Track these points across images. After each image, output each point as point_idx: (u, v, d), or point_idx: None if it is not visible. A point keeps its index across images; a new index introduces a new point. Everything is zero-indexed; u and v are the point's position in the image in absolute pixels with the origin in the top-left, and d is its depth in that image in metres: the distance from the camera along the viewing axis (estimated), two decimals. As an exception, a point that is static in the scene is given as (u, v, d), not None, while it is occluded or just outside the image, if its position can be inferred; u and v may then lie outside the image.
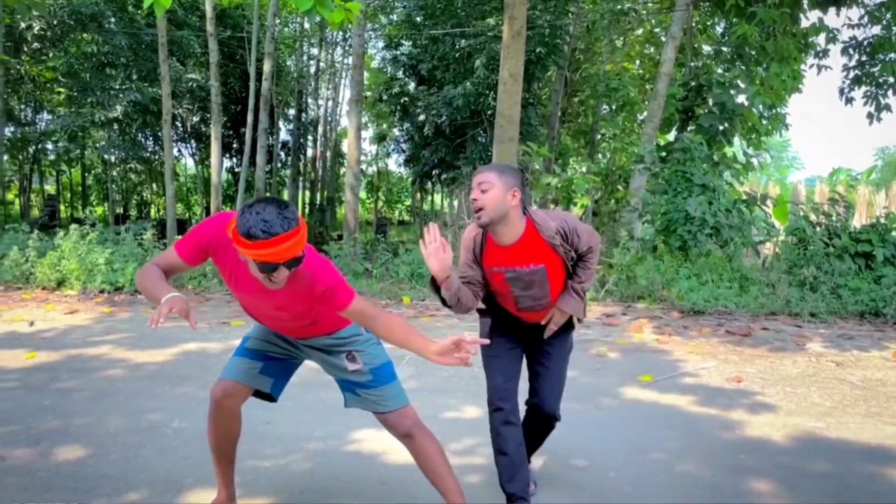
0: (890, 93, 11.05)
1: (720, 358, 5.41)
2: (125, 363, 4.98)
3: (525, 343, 2.81)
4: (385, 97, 16.01)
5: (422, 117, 13.96)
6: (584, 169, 12.67)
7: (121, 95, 14.48)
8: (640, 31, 16.47)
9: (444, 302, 2.57)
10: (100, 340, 5.64)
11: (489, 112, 13.08)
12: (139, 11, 14.87)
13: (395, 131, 19.61)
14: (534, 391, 2.79)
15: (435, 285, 2.52)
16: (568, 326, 2.80)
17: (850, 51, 11.29)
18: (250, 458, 3.25)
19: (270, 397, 2.63)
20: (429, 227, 2.42)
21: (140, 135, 17.42)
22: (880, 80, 11.04)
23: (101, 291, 7.76)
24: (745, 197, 9.34)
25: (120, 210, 21.45)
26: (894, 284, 7.03)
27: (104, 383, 4.46)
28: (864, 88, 11.31)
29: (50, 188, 24.65)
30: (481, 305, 2.78)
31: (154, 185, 23.05)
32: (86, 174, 22.99)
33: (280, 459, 3.28)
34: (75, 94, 15.49)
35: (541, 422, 2.83)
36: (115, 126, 15.44)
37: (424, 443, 2.49)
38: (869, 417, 4.02)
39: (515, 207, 2.48)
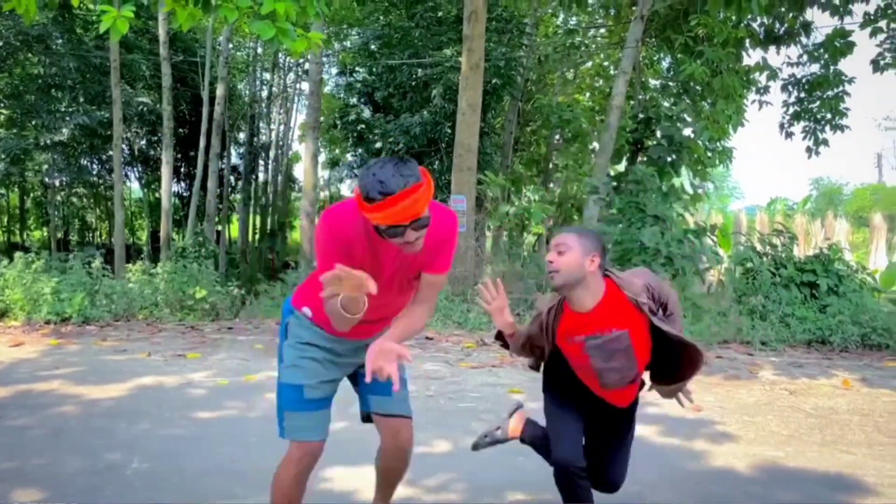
0: (827, 128, 11.60)
1: (679, 387, 5.52)
2: (78, 399, 4.78)
3: (593, 416, 2.67)
4: (339, 124, 15.99)
5: (378, 144, 13.99)
6: (537, 197, 12.89)
7: (67, 118, 14.07)
8: (590, 65, 16.93)
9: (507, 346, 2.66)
10: (49, 374, 5.41)
11: (446, 140, 13.20)
12: (88, 33, 14.56)
13: (349, 157, 19.57)
14: (593, 465, 2.67)
15: (501, 338, 2.61)
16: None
17: (790, 88, 11.84)
18: (221, 498, 3.16)
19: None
20: (488, 283, 2.47)
21: (85, 158, 16.92)
22: (819, 117, 11.57)
23: (48, 322, 7.46)
24: (694, 227, 9.63)
25: (61, 235, 20.71)
26: (839, 314, 7.33)
27: (58, 421, 4.28)
28: (803, 124, 11.85)
29: (-15, 211, 23.67)
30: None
31: (98, 210, 22.37)
32: (24, 197, 22.16)
33: (249, 499, 3.19)
34: (18, 115, 14.98)
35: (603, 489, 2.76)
36: (60, 149, 14.96)
37: (404, 459, 2.53)
38: (825, 446, 4.16)
39: (593, 273, 2.37)
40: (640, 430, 4.38)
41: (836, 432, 4.43)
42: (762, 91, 12.18)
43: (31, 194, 22.30)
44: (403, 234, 1.94)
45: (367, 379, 1.97)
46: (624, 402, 2.58)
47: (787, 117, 12.00)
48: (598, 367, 2.43)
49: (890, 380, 5.85)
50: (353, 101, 16.06)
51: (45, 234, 21.41)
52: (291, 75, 21.99)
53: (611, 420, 2.66)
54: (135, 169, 19.46)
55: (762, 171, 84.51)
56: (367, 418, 2.52)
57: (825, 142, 11.67)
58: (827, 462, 3.87)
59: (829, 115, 11.42)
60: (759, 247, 8.79)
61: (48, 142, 13.95)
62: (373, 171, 1.90)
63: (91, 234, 23.41)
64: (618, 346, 2.39)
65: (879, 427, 4.56)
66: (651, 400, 5.09)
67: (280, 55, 19.41)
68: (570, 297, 2.41)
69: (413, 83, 13.79)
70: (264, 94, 21.60)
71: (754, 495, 3.39)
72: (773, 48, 11.54)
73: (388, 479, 2.61)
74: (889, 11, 9.98)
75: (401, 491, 3.31)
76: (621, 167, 13.38)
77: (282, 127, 22.76)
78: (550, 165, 16.55)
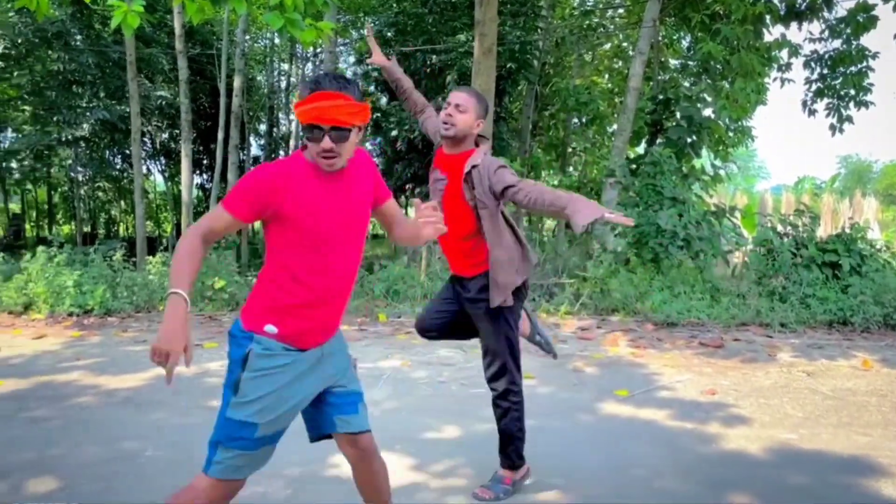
0: (851, 104, 11.35)
1: (694, 370, 5.48)
2: (97, 389, 4.88)
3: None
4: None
5: (394, 132, 13.98)
6: (556, 182, 12.81)
7: (88, 114, 14.27)
8: (608, 46, 16.72)
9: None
10: (70, 366, 5.52)
11: (461, 127, 13.13)
12: (106, 29, 14.70)
13: (367, 145, 19.59)
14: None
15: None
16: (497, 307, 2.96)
17: (812, 64, 11.58)
18: (228, 487, 3.21)
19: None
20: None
21: (108, 153, 17.17)
22: (842, 93, 11.32)
23: (70, 315, 7.60)
24: (713, 209, 9.50)
25: (87, 229, 21.08)
26: (860, 294, 7.19)
27: (76, 411, 4.37)
28: (826, 100, 11.60)
29: (14, 207, 24.16)
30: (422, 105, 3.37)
31: (122, 203, 22.72)
32: (52, 192, 22.58)
33: (257, 487, 3.23)
34: (41, 112, 15.23)
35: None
36: (83, 144, 15.19)
37: (381, 463, 2.37)
38: (840, 428, 4.10)
39: (472, 136, 2.91)
40: (652, 413, 4.37)
41: (853, 414, 4.37)
42: (784, 68, 11.94)
43: (59, 189, 22.73)
44: (321, 139, 1.98)
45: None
46: (461, 270, 3.03)
47: (810, 94, 11.76)
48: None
49: (912, 360, 5.75)
50: (371, 89, 16.06)
51: (73, 228, 21.80)
52: (309, 65, 22.04)
53: (467, 304, 3.06)
54: (157, 162, 19.73)
55: (789, 150, 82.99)
56: (318, 438, 2.34)
57: (849, 118, 11.42)
58: (841, 444, 3.81)
59: (852, 92, 11.17)
60: (780, 227, 8.65)
61: (70, 137, 14.17)
62: (314, 76, 2.04)
63: (116, 228, 23.79)
64: (437, 188, 2.96)
65: (898, 408, 4.49)
66: (663, 383, 5.07)
67: (297, 46, 19.45)
68: (447, 144, 2.94)
69: (428, 70, 13.74)
70: (283, 84, 21.69)
71: (765, 478, 3.35)
72: (794, 24, 11.29)
73: (375, 489, 2.38)
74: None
75: (410, 477, 3.35)
76: (641, 149, 13.24)
77: (301, 117, 22.85)
78: (569, 149, 16.43)
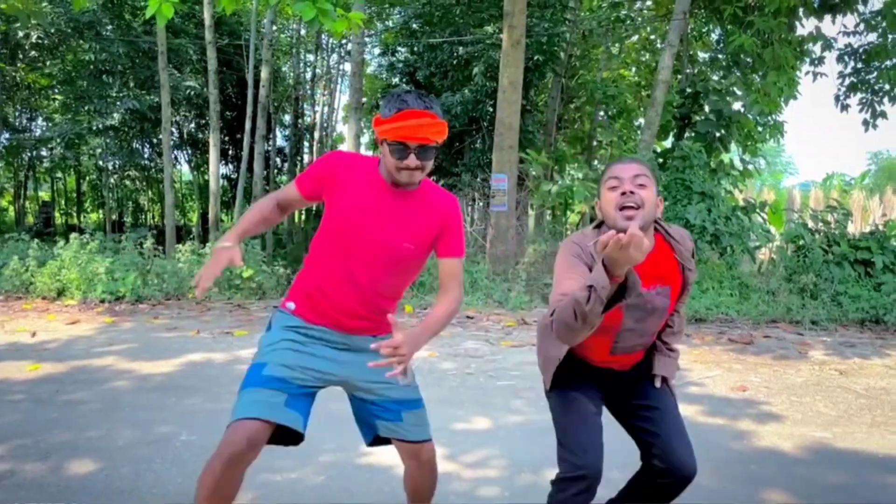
0: (886, 100, 11.14)
1: (724, 366, 5.44)
2: (130, 374, 4.96)
3: (606, 397, 2.29)
4: (382, 104, 16.03)
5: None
6: (581, 175, 12.72)
7: (118, 103, 14.46)
8: (635, 39, 16.55)
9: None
10: (104, 351, 5.62)
11: (487, 119, 13.11)
12: (136, 19, 14.87)
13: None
14: (654, 449, 2.18)
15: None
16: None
17: (846, 58, 11.38)
18: (262, 472, 3.25)
19: (294, 439, 2.17)
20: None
21: (137, 142, 17.38)
22: (876, 88, 11.11)
23: (102, 301, 7.73)
24: (742, 204, 9.39)
25: (115, 217, 21.38)
26: (894, 292, 7.08)
27: (111, 395, 4.45)
28: (859, 95, 11.40)
29: (45, 195, 24.55)
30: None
31: (150, 192, 22.99)
32: (81, 181, 22.91)
33: (291, 473, 3.27)
34: (72, 101, 15.46)
35: (678, 487, 2.21)
36: (112, 133, 15.39)
37: (428, 473, 2.33)
38: (875, 427, 4.04)
39: (655, 218, 2.04)
40: (683, 409, 4.32)
41: (888, 413, 4.30)
42: (816, 62, 11.73)
43: (87, 178, 23.06)
44: (406, 156, 2.00)
45: (376, 365, 1.90)
46: (627, 365, 2.23)
47: (843, 89, 11.56)
48: (626, 328, 2.07)
49: (948, 360, 5.65)
50: (395, 80, 16.06)
51: (101, 216, 22.11)
52: (335, 56, 22.09)
53: (626, 386, 2.26)
54: (184, 152, 19.93)
55: (818, 145, 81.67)
56: (376, 441, 2.32)
57: (883, 114, 11.22)
58: (876, 443, 3.76)
59: (886, 87, 10.96)
60: (811, 223, 8.53)
61: (100, 126, 14.37)
62: (396, 92, 2.05)
63: (144, 216, 24.09)
64: (658, 305, 2.07)
65: (934, 408, 4.42)
66: (693, 379, 5.03)
67: (323, 36, 19.51)
68: None
69: (454, 62, 13.71)
70: (308, 75, 21.77)
71: (799, 476, 3.32)
72: (828, 17, 11.09)
73: (414, 492, 2.40)
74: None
75: (442, 466, 3.36)
76: (668, 143, 13.11)
77: (326, 108, 22.93)
78: (594, 143, 16.31)
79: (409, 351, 1.90)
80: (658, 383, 2.28)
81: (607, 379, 2.25)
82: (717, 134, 11.05)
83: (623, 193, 1.95)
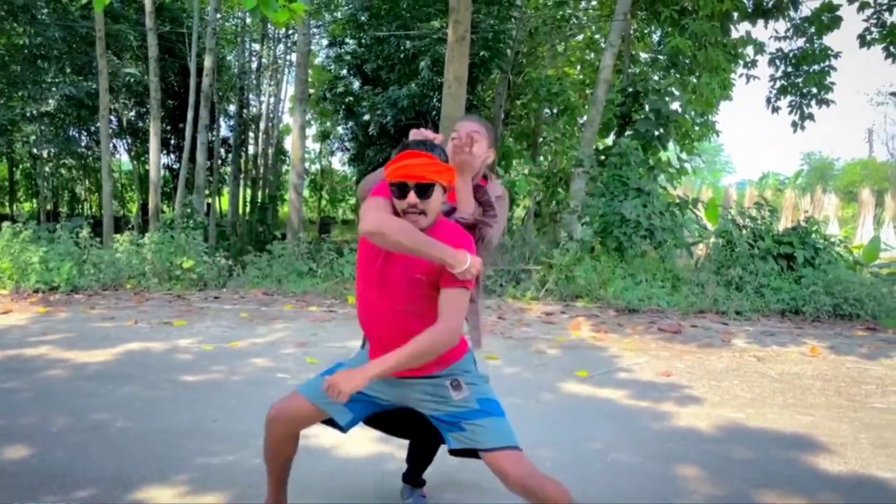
0: (813, 103, 11.70)
1: (652, 354, 5.70)
2: (66, 363, 4.91)
3: None
4: (329, 96, 15.96)
5: (367, 117, 14.01)
6: (526, 171, 12.96)
7: (54, 89, 14.02)
8: (580, 38, 16.89)
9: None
10: (38, 341, 5.52)
11: (434, 113, 13.21)
12: (73, 3, 14.44)
13: (340, 130, 19.54)
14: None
15: None
16: None
17: (777, 62, 11.91)
18: (199, 455, 3.30)
19: (340, 427, 2.42)
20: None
21: (73, 130, 16.86)
22: (804, 91, 11.66)
23: (36, 291, 7.56)
24: (677, 200, 9.75)
25: (50, 207, 20.69)
26: (812, 284, 7.50)
27: (45, 383, 4.40)
28: (789, 98, 11.94)
29: (-27, 183, 23.59)
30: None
31: (87, 182, 22.33)
32: (14, 169, 22.09)
33: (229, 456, 3.33)
34: (4, 86, 14.90)
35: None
36: (47, 120, 14.91)
37: (549, 495, 2.11)
38: (785, 408, 4.33)
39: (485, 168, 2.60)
40: (610, 393, 4.57)
41: (798, 395, 4.61)
42: (749, 65, 12.26)
43: (20, 166, 22.24)
44: (406, 194, 2.11)
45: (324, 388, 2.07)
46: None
47: (774, 91, 12.09)
48: None
49: (856, 347, 6.04)
50: (343, 73, 16.01)
51: (35, 205, 21.37)
52: (281, 46, 21.84)
53: None
54: (124, 141, 19.41)
55: (755, 145, 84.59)
56: (458, 452, 2.30)
57: (811, 116, 11.78)
58: (785, 423, 4.04)
59: (814, 90, 11.52)
60: (739, 220, 8.93)
61: (35, 112, 13.90)
62: (404, 142, 2.20)
63: (80, 206, 23.38)
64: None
65: (840, 391, 4.74)
66: (622, 366, 5.27)
67: (268, 26, 19.27)
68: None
69: (401, 55, 13.76)
70: (254, 65, 21.47)
71: (712, 452, 3.55)
72: (760, 22, 11.59)
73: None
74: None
75: (377, 447, 3.47)
76: (610, 141, 13.46)
77: (272, 99, 22.67)
78: (539, 139, 16.59)
79: (344, 385, 2.02)
80: None
81: None
82: (656, 132, 11.41)
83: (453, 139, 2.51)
